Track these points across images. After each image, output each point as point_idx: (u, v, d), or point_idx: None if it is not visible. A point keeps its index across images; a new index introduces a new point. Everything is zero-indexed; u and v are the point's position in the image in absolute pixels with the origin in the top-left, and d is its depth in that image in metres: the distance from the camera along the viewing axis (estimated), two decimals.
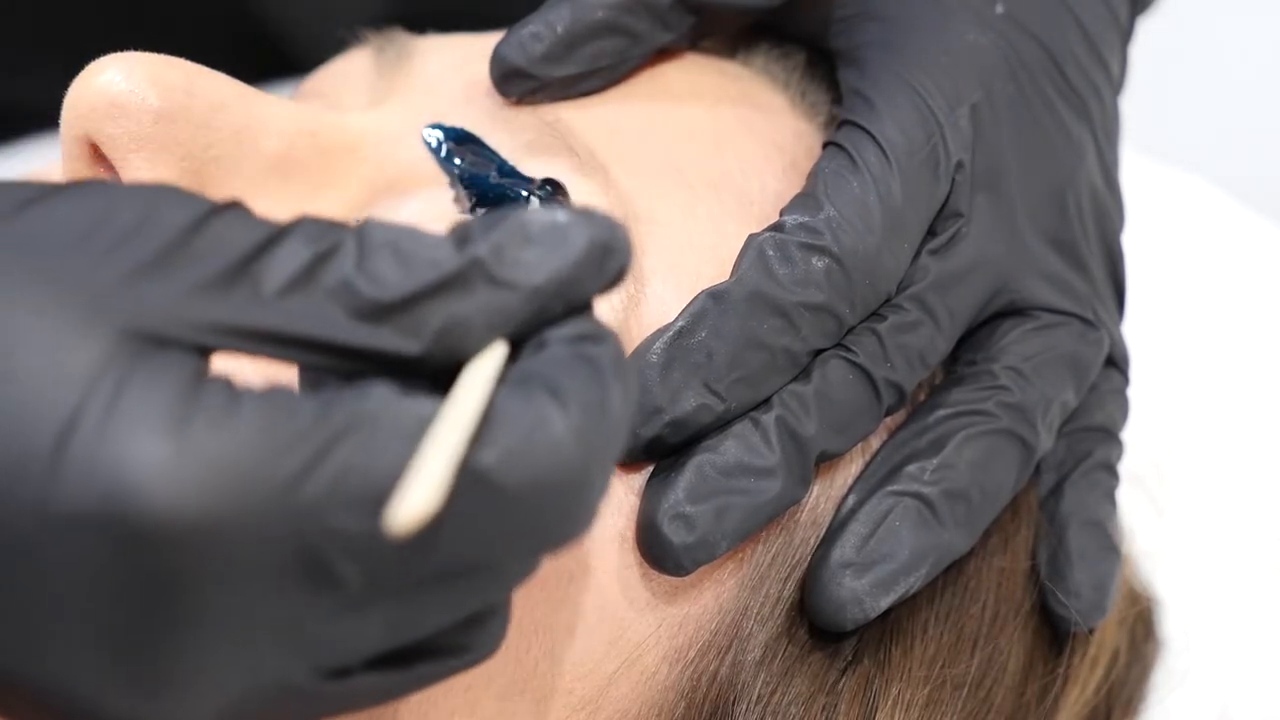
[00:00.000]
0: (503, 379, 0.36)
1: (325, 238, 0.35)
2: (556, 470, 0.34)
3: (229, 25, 0.77)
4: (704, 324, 0.45)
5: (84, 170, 0.46)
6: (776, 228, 0.46)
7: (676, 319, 0.45)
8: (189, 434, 0.32)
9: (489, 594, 0.36)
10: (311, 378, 0.37)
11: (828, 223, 0.46)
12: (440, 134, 0.49)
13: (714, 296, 0.45)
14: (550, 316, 0.36)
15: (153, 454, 0.32)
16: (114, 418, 0.32)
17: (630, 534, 0.45)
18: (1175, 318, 0.78)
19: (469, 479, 0.34)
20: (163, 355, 0.33)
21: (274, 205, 0.46)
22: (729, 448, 0.45)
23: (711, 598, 0.46)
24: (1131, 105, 0.59)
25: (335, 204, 0.47)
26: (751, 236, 0.47)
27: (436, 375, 0.36)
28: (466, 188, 0.48)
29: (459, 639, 0.37)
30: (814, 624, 0.47)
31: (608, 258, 0.37)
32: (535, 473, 0.34)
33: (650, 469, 0.45)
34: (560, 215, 0.37)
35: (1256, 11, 1.18)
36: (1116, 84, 0.55)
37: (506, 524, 0.35)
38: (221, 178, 0.46)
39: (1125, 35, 0.55)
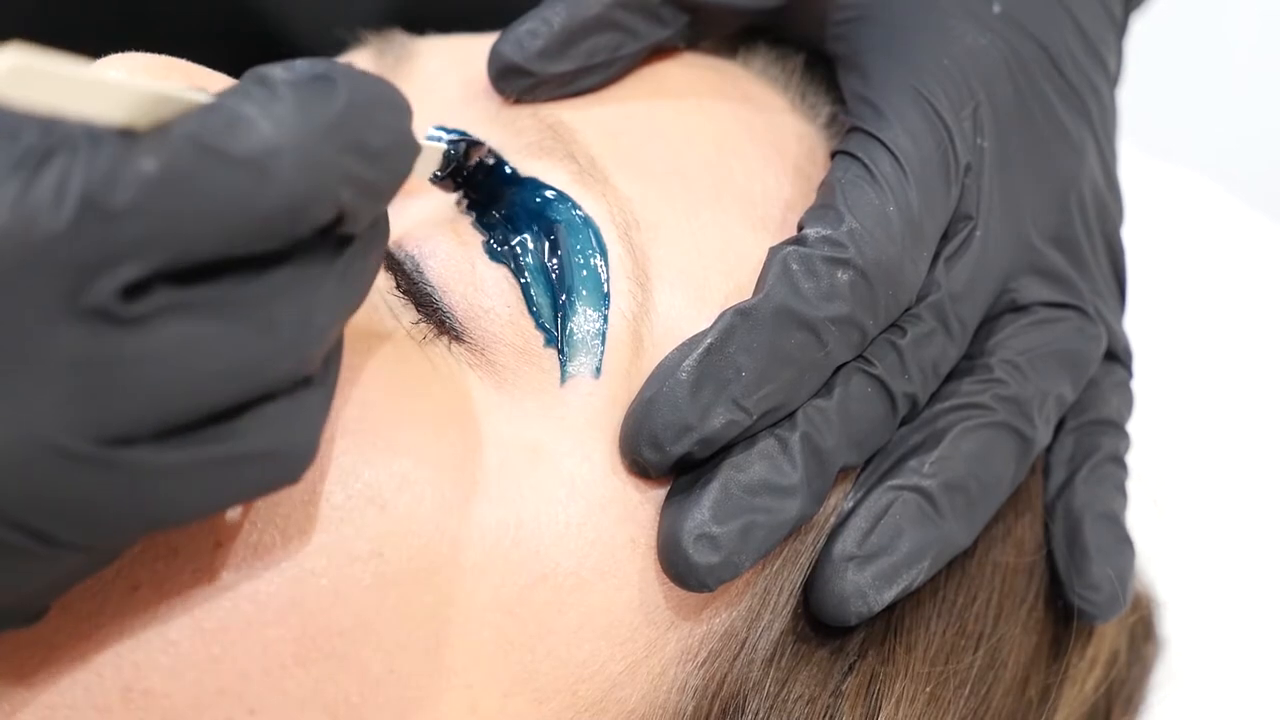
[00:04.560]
0: None
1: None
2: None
3: (229, 26, 0.77)
4: (732, 340, 0.45)
5: None
6: (799, 241, 0.46)
7: (705, 335, 0.45)
8: None
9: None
10: None
11: (850, 235, 0.46)
12: (444, 137, 0.49)
13: (741, 313, 0.45)
14: None
15: None
16: None
17: (643, 540, 0.45)
18: (1176, 315, 0.78)
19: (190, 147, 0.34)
20: None
21: None
22: (755, 466, 0.45)
23: (724, 602, 0.46)
24: (1133, 103, 0.59)
25: None
26: (774, 250, 0.47)
27: None
28: (467, 189, 0.48)
29: (261, 435, 0.37)
30: (818, 619, 0.47)
31: None
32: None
33: (669, 483, 0.46)
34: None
35: (1258, 8, 1.18)
36: (1113, 79, 0.55)
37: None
38: None
39: (1121, 30, 0.56)
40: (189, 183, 0.34)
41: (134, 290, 0.34)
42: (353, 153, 0.36)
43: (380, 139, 0.37)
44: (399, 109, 0.39)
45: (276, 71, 0.37)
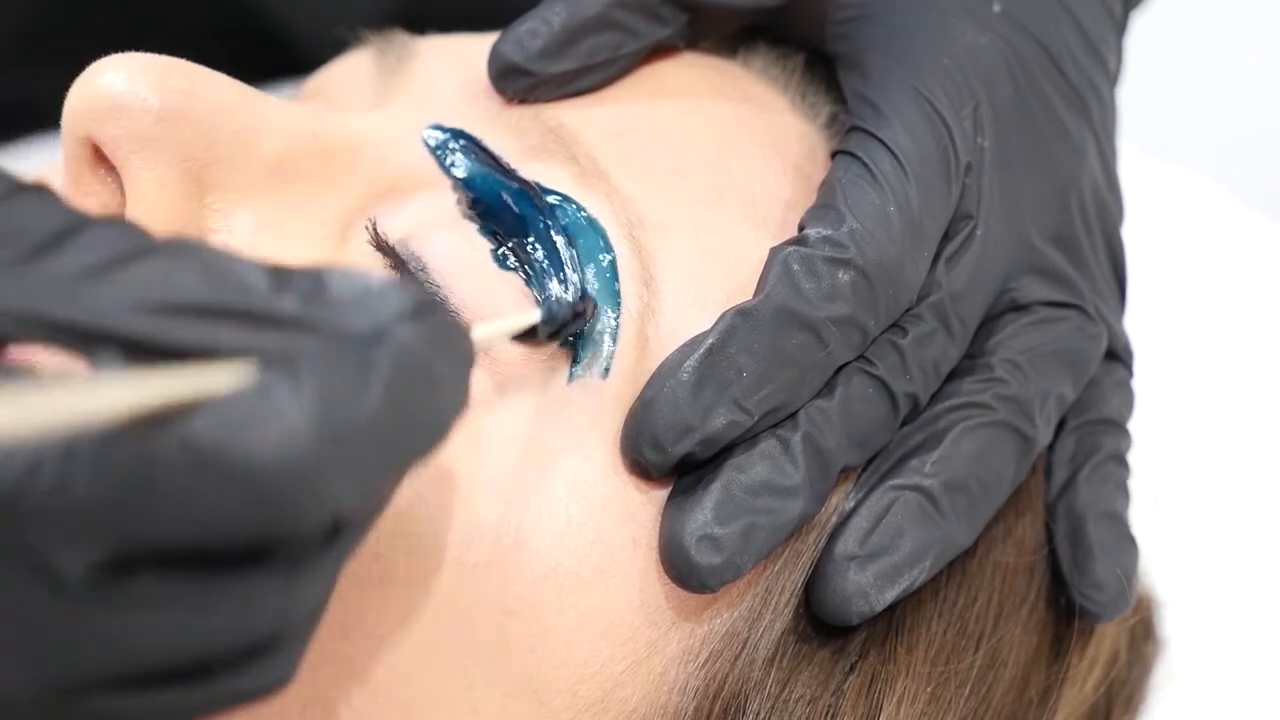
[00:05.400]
0: None
1: (132, 237, 0.34)
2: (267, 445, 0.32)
3: (230, 25, 0.77)
4: (734, 341, 0.45)
5: (86, 171, 0.46)
6: (800, 241, 0.46)
7: (706, 336, 0.45)
8: None
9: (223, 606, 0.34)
10: None
11: (851, 235, 0.46)
12: (441, 135, 0.49)
13: (742, 313, 0.45)
14: None
15: None
16: None
17: (644, 540, 0.45)
18: (1175, 316, 0.78)
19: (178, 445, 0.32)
20: None
21: (275, 207, 0.46)
22: (756, 467, 0.45)
23: (725, 602, 0.46)
24: (1133, 103, 0.59)
25: (336, 205, 0.47)
26: (774, 250, 0.47)
27: None
28: (467, 190, 0.48)
29: (230, 680, 0.35)
30: (820, 619, 0.47)
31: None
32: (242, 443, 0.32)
33: (670, 483, 0.46)
34: (370, 281, 0.35)
35: (1259, 7, 1.18)
36: (1113, 78, 0.56)
37: (224, 497, 0.32)
38: (222, 179, 0.46)
39: (1120, 29, 0.56)
40: (169, 481, 0.32)
41: (105, 568, 0.32)
42: (368, 459, 0.34)
43: (410, 441, 0.35)
44: (447, 390, 0.35)
45: (335, 285, 0.34)
